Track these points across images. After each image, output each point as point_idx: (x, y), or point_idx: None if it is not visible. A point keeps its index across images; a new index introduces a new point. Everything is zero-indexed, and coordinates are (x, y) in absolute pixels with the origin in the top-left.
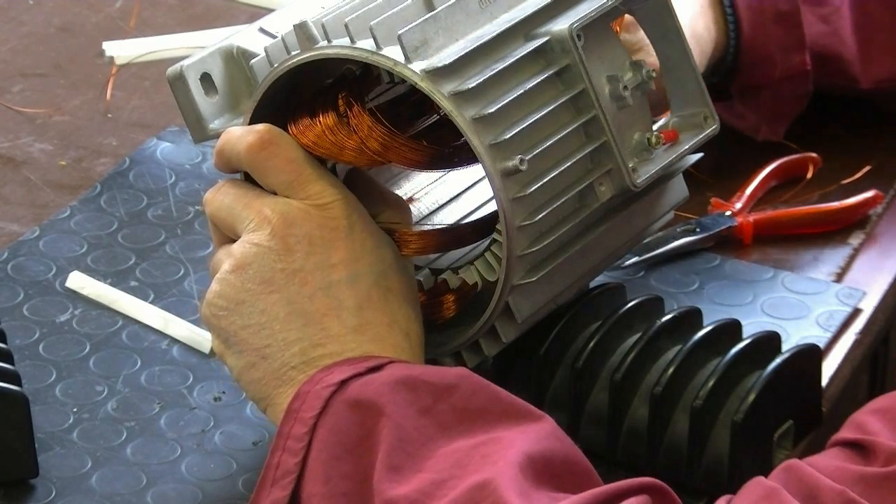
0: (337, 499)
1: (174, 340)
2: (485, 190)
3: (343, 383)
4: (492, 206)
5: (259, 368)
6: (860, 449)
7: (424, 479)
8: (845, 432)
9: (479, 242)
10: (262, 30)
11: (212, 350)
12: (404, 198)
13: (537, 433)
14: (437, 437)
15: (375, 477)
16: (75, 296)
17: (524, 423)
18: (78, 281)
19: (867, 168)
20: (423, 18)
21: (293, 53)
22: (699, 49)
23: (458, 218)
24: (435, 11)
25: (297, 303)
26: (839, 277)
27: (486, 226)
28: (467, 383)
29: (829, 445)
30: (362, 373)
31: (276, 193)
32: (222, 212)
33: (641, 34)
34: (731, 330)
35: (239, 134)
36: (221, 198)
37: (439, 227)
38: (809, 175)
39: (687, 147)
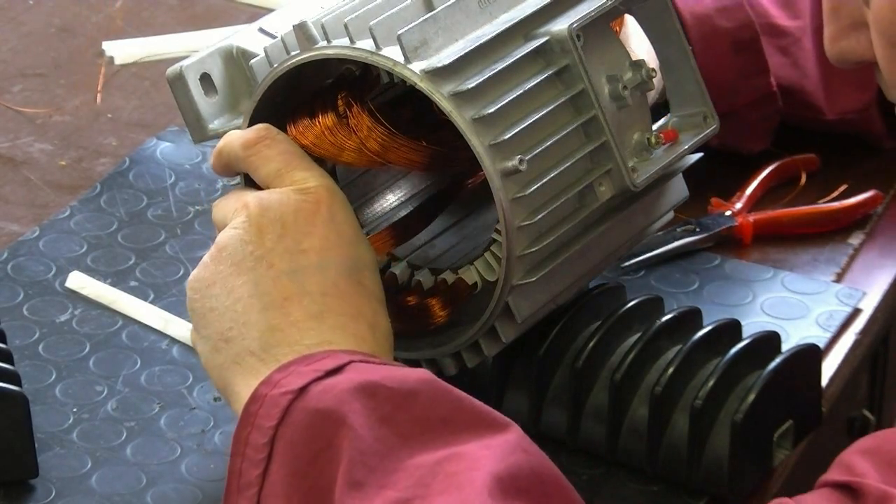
0: None
1: (174, 340)
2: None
3: (302, 389)
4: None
5: (221, 353)
6: (849, 491)
7: (388, 498)
8: (834, 474)
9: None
10: (261, 30)
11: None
12: (404, 198)
13: (503, 447)
14: (399, 448)
15: (337, 493)
16: (75, 296)
17: (489, 435)
18: (78, 281)
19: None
20: (422, 18)
21: (293, 53)
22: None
23: (458, 218)
24: (435, 11)
25: (261, 285)
26: (839, 277)
27: (431, 207)
28: (429, 389)
29: (817, 486)
30: (322, 377)
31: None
32: (220, 213)
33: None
34: (731, 330)
35: (236, 134)
36: (222, 200)
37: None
38: (803, 179)
39: (687, 147)
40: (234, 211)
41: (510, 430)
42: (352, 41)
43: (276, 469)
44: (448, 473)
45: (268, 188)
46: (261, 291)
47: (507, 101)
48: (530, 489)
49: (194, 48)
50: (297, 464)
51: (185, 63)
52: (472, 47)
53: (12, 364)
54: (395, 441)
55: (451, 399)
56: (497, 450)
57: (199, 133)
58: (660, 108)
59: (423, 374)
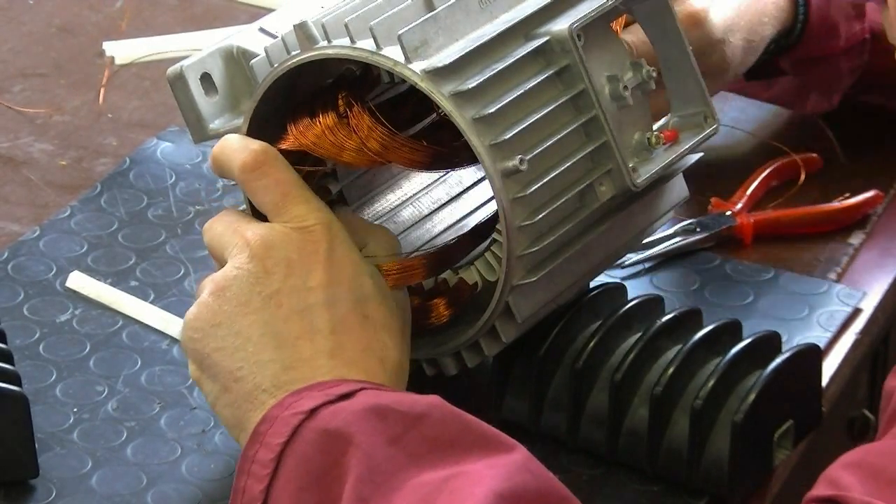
0: None
1: (174, 340)
2: (485, 190)
3: (313, 411)
4: (485, 211)
5: (232, 391)
6: None
7: None
8: (819, 489)
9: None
10: (262, 30)
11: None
12: (404, 198)
13: (507, 467)
14: (407, 467)
15: None
16: (75, 296)
17: (494, 455)
18: (78, 281)
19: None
20: (423, 18)
21: (293, 53)
22: (774, 20)
23: (457, 218)
24: (435, 11)
25: (271, 325)
26: (839, 277)
27: (474, 237)
28: (438, 412)
29: (804, 503)
30: (333, 400)
31: (265, 215)
32: (214, 240)
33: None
34: (731, 330)
35: (235, 147)
36: (216, 226)
37: (424, 252)
38: (802, 178)
39: (687, 147)
40: (235, 246)
41: (516, 451)
42: (352, 41)
43: (282, 485)
44: (451, 490)
45: (266, 214)
46: (272, 331)
47: (507, 100)
48: None
49: (194, 48)
50: (305, 480)
51: (185, 63)
52: (472, 47)
53: (12, 364)
54: (402, 460)
55: (459, 422)
56: (502, 469)
57: (200, 133)
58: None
59: (433, 399)
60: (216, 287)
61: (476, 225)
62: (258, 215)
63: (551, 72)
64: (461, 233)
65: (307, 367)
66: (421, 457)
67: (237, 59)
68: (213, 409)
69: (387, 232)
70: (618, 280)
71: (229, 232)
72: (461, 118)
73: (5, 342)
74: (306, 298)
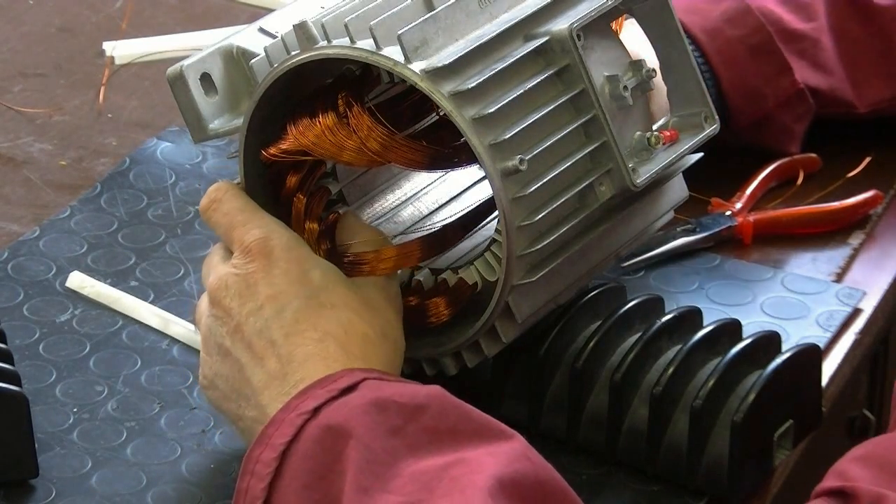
0: None
1: (174, 340)
2: (485, 190)
3: (316, 410)
4: (482, 192)
5: (241, 428)
6: (843, 496)
7: (390, 502)
8: (828, 482)
9: (473, 243)
10: (262, 30)
11: None
12: (404, 198)
13: (507, 454)
14: (406, 456)
15: (344, 501)
16: (75, 296)
17: (494, 443)
18: (78, 281)
19: (867, 160)
20: (422, 18)
21: (293, 53)
22: None
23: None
24: (435, 11)
25: (242, 359)
26: (839, 277)
27: (468, 222)
28: (438, 403)
29: (813, 496)
30: (336, 396)
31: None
32: (208, 291)
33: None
34: (731, 330)
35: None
36: (211, 279)
37: (420, 236)
38: (801, 179)
39: (687, 147)
40: (209, 300)
41: (515, 440)
42: (352, 41)
43: (286, 483)
44: (451, 477)
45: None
46: (243, 364)
47: (507, 100)
48: (532, 496)
49: (194, 48)
50: (308, 477)
51: (185, 63)
52: (472, 47)
53: (12, 364)
54: (402, 451)
55: (459, 412)
56: (501, 456)
57: (200, 133)
58: None
59: (434, 389)
60: (203, 341)
61: (472, 210)
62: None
63: (551, 72)
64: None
65: (275, 382)
66: (421, 447)
67: (237, 59)
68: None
69: (375, 232)
70: (618, 280)
71: (206, 270)
72: (461, 118)
73: (5, 342)
74: (259, 317)
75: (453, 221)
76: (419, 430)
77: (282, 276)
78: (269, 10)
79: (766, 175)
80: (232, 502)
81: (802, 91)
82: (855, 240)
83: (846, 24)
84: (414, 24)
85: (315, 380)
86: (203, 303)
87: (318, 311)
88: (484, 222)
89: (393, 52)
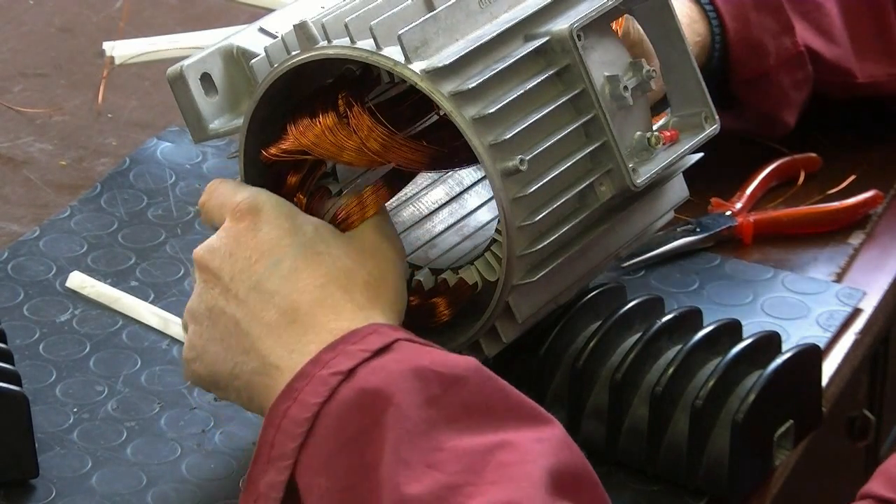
0: (341, 493)
1: (174, 340)
2: (485, 190)
3: (351, 372)
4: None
5: (235, 389)
6: None
7: (437, 480)
8: (878, 486)
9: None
10: (262, 30)
11: None
12: (404, 198)
13: (552, 444)
14: (443, 429)
15: (384, 470)
16: (75, 296)
17: (535, 427)
18: (78, 281)
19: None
20: (423, 18)
21: (293, 53)
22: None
23: (457, 218)
24: (435, 11)
25: (238, 314)
26: (839, 277)
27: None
28: (476, 376)
29: (860, 496)
30: (369, 357)
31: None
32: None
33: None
34: (731, 330)
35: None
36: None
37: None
38: (801, 179)
39: (687, 147)
40: (195, 269)
41: (555, 425)
42: (352, 41)
43: (318, 443)
44: (500, 463)
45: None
46: (240, 319)
47: (507, 100)
48: (573, 488)
49: (194, 48)
50: (341, 440)
51: (185, 63)
52: (472, 47)
53: (12, 364)
54: (440, 423)
55: (497, 388)
56: (548, 444)
57: (200, 133)
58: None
59: (470, 361)
60: (189, 315)
61: (426, 126)
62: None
63: (551, 72)
64: (461, 232)
65: (277, 333)
66: (459, 420)
67: (237, 59)
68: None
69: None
70: (618, 280)
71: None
72: (461, 118)
73: (5, 342)
74: (252, 274)
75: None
76: (457, 402)
77: (273, 230)
78: (269, 10)
79: (766, 175)
80: (255, 452)
81: (803, 54)
82: (855, 240)
83: None
84: (414, 24)
85: (330, 329)
86: (191, 299)
87: (315, 258)
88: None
89: (393, 53)
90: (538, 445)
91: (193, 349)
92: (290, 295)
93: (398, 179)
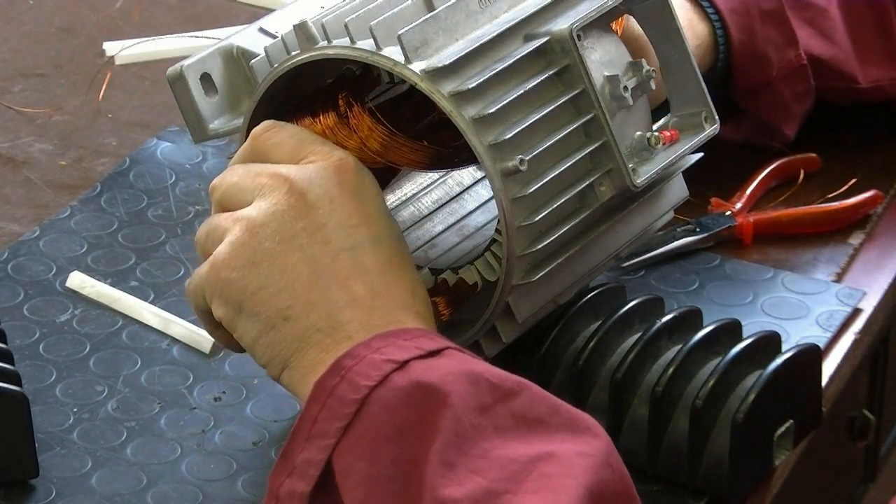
0: (382, 482)
1: (174, 340)
2: (485, 190)
3: (405, 363)
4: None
5: (280, 330)
6: None
7: (478, 485)
8: None
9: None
10: (262, 30)
11: (212, 350)
12: (404, 198)
13: (595, 459)
14: (491, 436)
15: (428, 469)
16: (75, 296)
17: (581, 438)
18: (78, 281)
19: (853, 181)
20: (423, 18)
21: (293, 53)
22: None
23: (457, 218)
24: (435, 11)
25: (320, 263)
26: (839, 277)
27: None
28: (529, 391)
29: None
30: (423, 356)
31: None
32: (232, 189)
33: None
34: (731, 330)
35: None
36: (230, 178)
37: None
38: (801, 179)
39: (687, 147)
40: (264, 186)
41: (601, 439)
42: (352, 41)
43: (363, 428)
44: (541, 474)
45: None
46: (321, 270)
47: (507, 101)
48: None
49: (194, 48)
50: (389, 429)
51: (185, 63)
52: (472, 47)
53: (12, 364)
54: (488, 430)
55: (549, 403)
56: (591, 460)
57: (200, 133)
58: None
59: (524, 379)
60: (251, 224)
61: (427, 126)
62: None
63: (551, 72)
64: (461, 232)
65: (360, 309)
66: (509, 430)
67: (237, 59)
68: (249, 349)
69: None
70: (618, 280)
71: (251, 177)
72: (461, 118)
73: (5, 342)
74: (353, 235)
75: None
76: (509, 413)
77: (376, 206)
78: (269, 10)
79: (766, 175)
80: (294, 427)
81: (805, 67)
82: (855, 240)
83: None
84: (414, 24)
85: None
86: (246, 187)
87: (403, 260)
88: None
89: (393, 53)
90: (581, 460)
91: (238, 258)
92: (384, 282)
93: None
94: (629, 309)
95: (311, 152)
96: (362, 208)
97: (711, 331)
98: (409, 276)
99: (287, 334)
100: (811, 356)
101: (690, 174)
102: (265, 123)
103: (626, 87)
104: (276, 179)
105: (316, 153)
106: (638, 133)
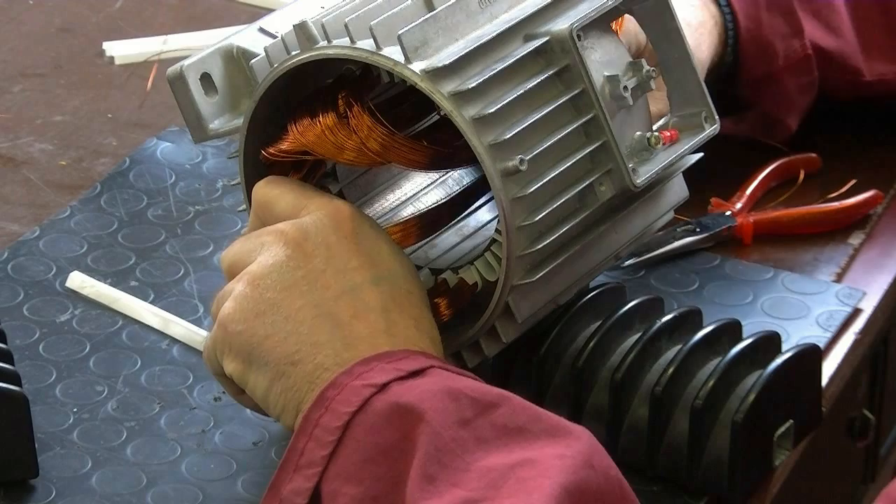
0: (370, 501)
1: (174, 340)
2: (484, 190)
3: (385, 385)
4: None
5: (290, 376)
6: None
7: (457, 496)
8: None
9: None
10: (262, 30)
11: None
12: (404, 198)
13: (574, 460)
14: (474, 450)
15: (409, 485)
16: (75, 296)
17: (561, 441)
18: (78, 281)
19: (853, 181)
20: (423, 18)
21: (293, 53)
22: (707, 42)
23: (458, 218)
24: (435, 11)
25: (322, 306)
26: (839, 277)
27: (461, 202)
28: (510, 403)
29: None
30: (404, 376)
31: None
32: (237, 255)
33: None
34: (731, 330)
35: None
36: (235, 246)
37: (414, 215)
38: (801, 179)
39: (687, 147)
40: (265, 243)
41: (582, 441)
42: (352, 41)
43: (347, 453)
44: (519, 478)
45: (287, 217)
46: (325, 312)
47: (507, 100)
48: None
49: (194, 48)
50: (371, 451)
51: (185, 63)
52: (472, 47)
53: (12, 364)
54: (471, 443)
55: (530, 412)
56: (570, 461)
57: (200, 133)
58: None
59: (504, 391)
60: (253, 277)
61: (467, 187)
62: None
63: (551, 72)
64: (461, 232)
65: (366, 345)
66: (489, 441)
67: (237, 59)
68: (262, 402)
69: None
70: (618, 280)
71: (252, 239)
72: (461, 118)
73: (5, 342)
74: (353, 278)
75: (447, 201)
76: (489, 425)
77: (376, 249)
78: (269, 10)
79: (766, 175)
80: (282, 459)
81: (810, 58)
82: (855, 240)
83: None
84: (414, 24)
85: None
86: (250, 247)
87: (408, 296)
88: (472, 207)
89: (393, 53)
90: (558, 461)
91: (242, 312)
92: (388, 319)
93: (423, 227)
94: (629, 309)
95: (309, 203)
96: (361, 252)
97: (711, 331)
98: (415, 311)
99: (297, 378)
100: (811, 356)
101: (690, 174)
102: (264, 180)
103: (626, 87)
104: (275, 235)
105: (314, 204)
106: (638, 133)
